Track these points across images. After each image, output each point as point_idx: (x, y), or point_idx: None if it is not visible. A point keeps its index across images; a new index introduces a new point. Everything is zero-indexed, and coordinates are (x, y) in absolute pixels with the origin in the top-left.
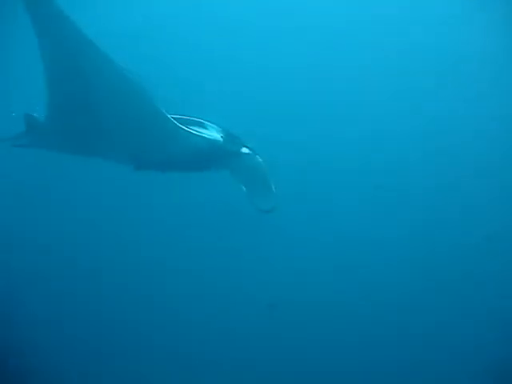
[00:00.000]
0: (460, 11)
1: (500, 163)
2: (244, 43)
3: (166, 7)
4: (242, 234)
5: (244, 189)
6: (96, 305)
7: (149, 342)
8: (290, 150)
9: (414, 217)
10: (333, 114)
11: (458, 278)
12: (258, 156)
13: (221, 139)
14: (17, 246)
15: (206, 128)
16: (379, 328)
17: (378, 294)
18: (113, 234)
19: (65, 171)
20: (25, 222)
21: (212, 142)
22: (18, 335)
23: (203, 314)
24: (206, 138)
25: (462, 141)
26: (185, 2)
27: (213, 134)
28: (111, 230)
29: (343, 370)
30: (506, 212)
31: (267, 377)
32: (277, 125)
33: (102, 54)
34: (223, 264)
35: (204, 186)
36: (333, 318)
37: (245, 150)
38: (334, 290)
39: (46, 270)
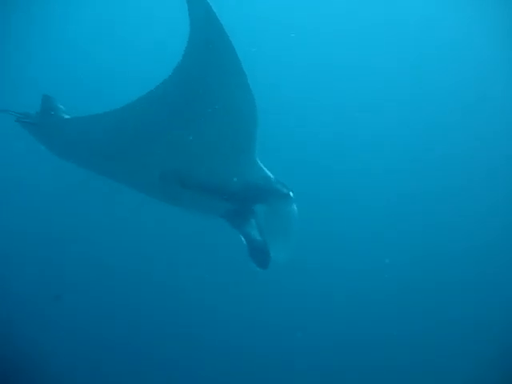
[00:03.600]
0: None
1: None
2: None
3: None
4: None
5: (243, 239)
6: (97, 305)
7: (148, 343)
8: None
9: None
10: None
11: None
12: (295, 204)
13: (272, 176)
14: (17, 245)
15: None
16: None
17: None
18: (114, 236)
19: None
20: (27, 220)
21: (266, 177)
22: (18, 336)
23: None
24: (263, 170)
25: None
26: None
27: (265, 169)
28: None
29: None
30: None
31: None
32: None
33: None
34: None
35: None
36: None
37: (292, 194)
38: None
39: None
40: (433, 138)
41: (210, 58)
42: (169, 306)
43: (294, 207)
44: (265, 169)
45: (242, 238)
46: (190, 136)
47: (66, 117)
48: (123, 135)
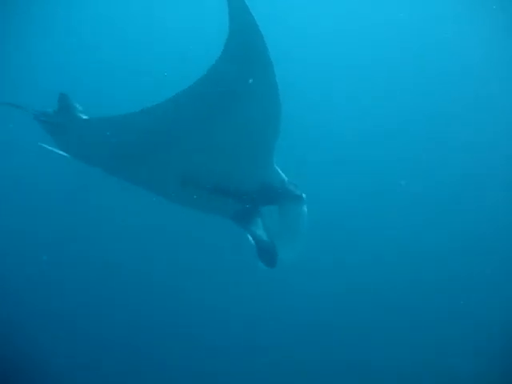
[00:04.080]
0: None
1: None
2: None
3: None
4: None
5: (251, 238)
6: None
7: (147, 345)
8: None
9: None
10: None
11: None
12: (305, 205)
13: (286, 179)
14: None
15: None
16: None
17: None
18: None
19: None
20: (25, 218)
21: (281, 180)
22: (18, 336)
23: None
24: (278, 173)
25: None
26: None
27: (280, 171)
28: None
29: None
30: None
31: None
32: None
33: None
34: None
35: None
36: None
37: (304, 196)
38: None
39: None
40: (435, 136)
41: (244, 63)
42: (169, 306)
43: (305, 208)
44: (280, 171)
45: (250, 238)
46: (213, 139)
47: (84, 117)
48: (146, 137)
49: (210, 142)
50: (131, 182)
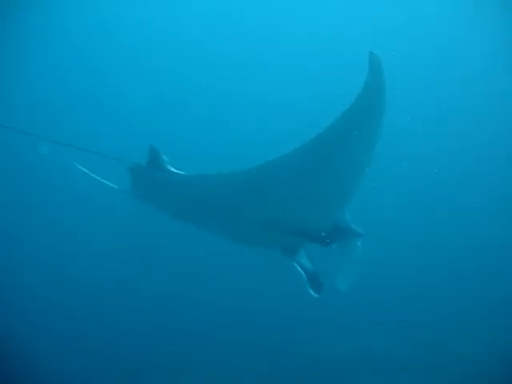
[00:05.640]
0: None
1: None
2: None
3: None
4: None
5: (299, 268)
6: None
7: (147, 345)
8: None
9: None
10: None
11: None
12: (360, 240)
13: (349, 218)
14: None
15: None
16: None
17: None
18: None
19: None
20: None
21: (343, 219)
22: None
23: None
24: (345, 214)
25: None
26: None
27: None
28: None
29: None
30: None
31: None
32: None
33: None
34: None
35: None
36: None
37: (360, 231)
38: None
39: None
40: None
41: (365, 122)
42: (170, 309)
43: (359, 243)
44: (346, 212)
45: (298, 268)
46: (308, 192)
47: (173, 169)
48: (244, 196)
49: (303, 195)
50: (204, 229)
